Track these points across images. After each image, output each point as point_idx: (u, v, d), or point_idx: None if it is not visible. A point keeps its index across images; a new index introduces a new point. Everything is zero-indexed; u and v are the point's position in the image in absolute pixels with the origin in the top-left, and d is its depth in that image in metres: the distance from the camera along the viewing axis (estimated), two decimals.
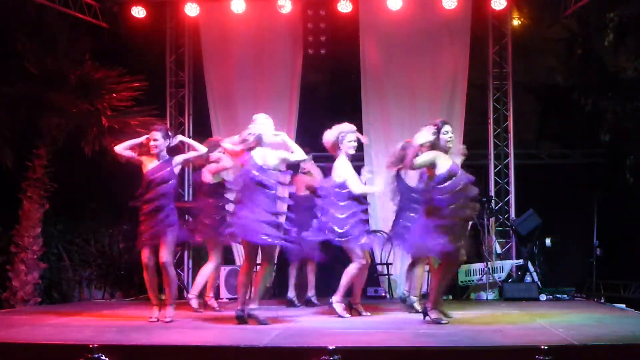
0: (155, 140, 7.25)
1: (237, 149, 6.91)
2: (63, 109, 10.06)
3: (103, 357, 5.08)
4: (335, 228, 7.24)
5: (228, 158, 7.83)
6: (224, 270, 10.35)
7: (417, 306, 7.71)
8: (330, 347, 4.99)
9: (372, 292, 10.37)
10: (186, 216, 9.16)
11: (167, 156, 7.30)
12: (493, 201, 11.13)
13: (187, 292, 9.08)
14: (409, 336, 5.96)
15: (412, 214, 7.69)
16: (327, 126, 7.77)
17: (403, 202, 7.96)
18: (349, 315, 7.42)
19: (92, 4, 11.07)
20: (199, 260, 10.74)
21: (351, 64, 11.51)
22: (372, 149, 11.13)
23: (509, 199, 11.25)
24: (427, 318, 6.69)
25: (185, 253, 11.26)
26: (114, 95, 10.40)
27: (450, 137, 6.83)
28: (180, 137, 7.79)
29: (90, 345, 5.13)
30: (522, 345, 5.34)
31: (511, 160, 11.33)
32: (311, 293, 8.90)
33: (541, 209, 10.64)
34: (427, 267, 8.26)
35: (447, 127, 6.82)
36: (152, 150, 7.23)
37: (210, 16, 11.61)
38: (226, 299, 10.31)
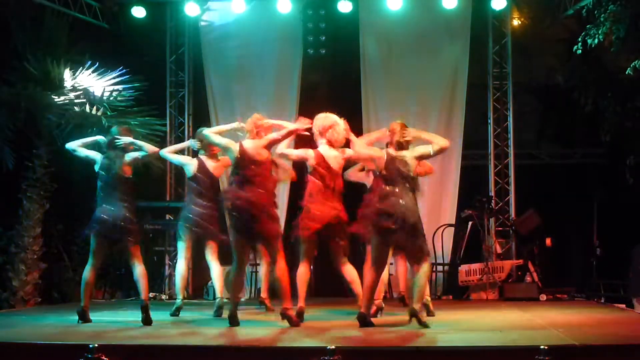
0: None
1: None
2: (63, 109, 10.06)
3: (103, 357, 5.08)
4: None
5: None
6: (224, 270, 10.34)
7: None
8: (330, 347, 4.99)
9: None
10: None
11: None
12: (493, 201, 11.13)
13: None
14: (409, 336, 5.96)
15: None
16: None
17: None
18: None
19: (92, 4, 11.07)
20: (200, 260, 10.73)
21: (351, 64, 11.52)
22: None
23: (509, 199, 11.25)
24: None
25: None
26: (114, 95, 10.39)
27: None
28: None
29: (90, 345, 5.13)
30: (522, 345, 5.34)
31: (511, 160, 11.34)
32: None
33: (541, 209, 10.64)
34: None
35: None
36: None
37: (210, 16, 11.62)
38: (226, 299, 10.30)
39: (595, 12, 9.27)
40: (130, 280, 11.13)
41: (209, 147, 8.01)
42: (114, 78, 10.44)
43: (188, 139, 11.65)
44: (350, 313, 7.36)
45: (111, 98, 10.31)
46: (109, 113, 10.33)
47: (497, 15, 11.43)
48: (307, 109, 11.22)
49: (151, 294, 10.52)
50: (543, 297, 9.89)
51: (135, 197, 7.38)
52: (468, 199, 10.98)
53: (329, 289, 10.18)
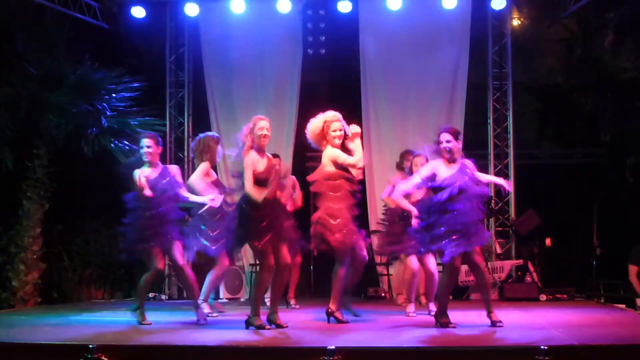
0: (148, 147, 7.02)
1: None
2: (63, 109, 10.07)
3: (103, 357, 5.08)
4: None
5: None
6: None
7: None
8: (330, 347, 4.99)
9: (372, 292, 10.36)
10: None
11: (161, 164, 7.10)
12: (493, 201, 11.14)
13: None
14: (409, 336, 5.96)
15: None
16: None
17: None
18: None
19: (92, 4, 11.08)
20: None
21: (351, 64, 11.52)
22: (372, 149, 11.14)
23: (508, 199, 11.25)
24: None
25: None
26: (114, 95, 10.40)
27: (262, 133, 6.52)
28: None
29: (90, 345, 5.13)
30: (522, 345, 5.34)
31: (511, 160, 11.34)
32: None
33: (541, 209, 10.64)
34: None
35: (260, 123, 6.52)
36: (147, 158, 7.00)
37: (210, 16, 11.62)
38: (226, 299, 10.33)
39: (596, 12, 9.29)
40: (130, 281, 11.17)
41: (199, 156, 7.92)
42: (114, 78, 10.44)
43: (188, 139, 11.70)
44: (350, 313, 7.36)
45: (111, 98, 10.33)
46: (109, 113, 10.34)
47: (497, 15, 11.42)
48: (307, 109, 11.26)
49: (151, 294, 10.54)
50: (543, 297, 9.89)
51: None
52: None
53: (329, 289, 10.18)
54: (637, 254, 9.83)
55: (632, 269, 9.80)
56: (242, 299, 10.44)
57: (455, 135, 6.66)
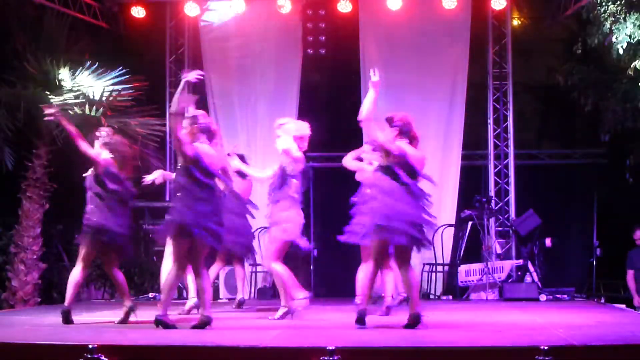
0: None
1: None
2: (63, 109, 10.05)
3: (103, 357, 5.07)
4: None
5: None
6: (224, 270, 10.35)
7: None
8: (330, 347, 4.99)
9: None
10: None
11: None
12: (493, 201, 11.14)
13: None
14: (409, 336, 5.96)
15: None
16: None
17: None
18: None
19: (92, 4, 11.08)
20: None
21: (351, 64, 11.52)
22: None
23: (509, 199, 11.26)
24: None
25: None
26: (114, 95, 10.39)
27: None
28: None
29: (90, 345, 5.12)
30: (522, 345, 5.34)
31: (511, 160, 11.34)
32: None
33: (541, 209, 10.64)
34: None
35: None
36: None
37: (210, 16, 11.62)
38: (226, 299, 10.32)
39: (596, 11, 9.28)
40: (130, 281, 11.15)
41: None
42: (113, 78, 10.43)
43: None
44: (350, 313, 7.36)
45: (111, 98, 10.31)
46: (109, 113, 10.32)
47: (497, 15, 11.43)
48: (307, 109, 11.29)
49: (150, 294, 10.53)
50: (543, 297, 9.89)
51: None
52: (468, 199, 10.98)
53: (328, 289, 10.20)
54: (633, 258, 9.88)
55: (630, 273, 9.83)
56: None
57: (389, 121, 6.61)
